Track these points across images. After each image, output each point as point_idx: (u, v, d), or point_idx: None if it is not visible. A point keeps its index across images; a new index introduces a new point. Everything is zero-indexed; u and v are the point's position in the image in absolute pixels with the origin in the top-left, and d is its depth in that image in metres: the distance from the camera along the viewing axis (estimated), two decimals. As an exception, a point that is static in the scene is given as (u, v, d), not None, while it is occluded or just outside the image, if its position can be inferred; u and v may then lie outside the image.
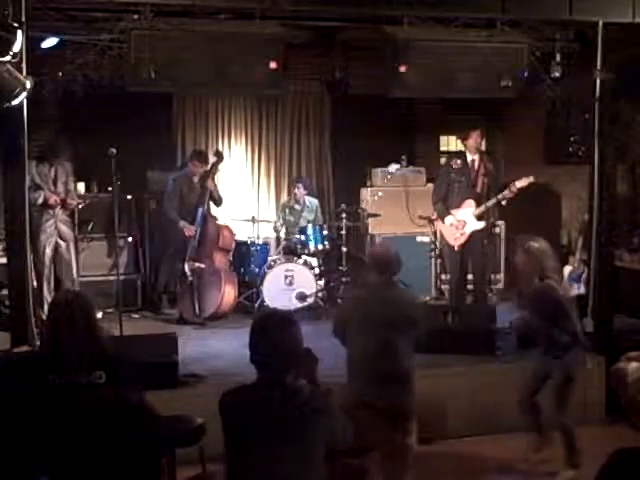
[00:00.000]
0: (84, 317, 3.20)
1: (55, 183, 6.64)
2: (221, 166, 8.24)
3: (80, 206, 6.87)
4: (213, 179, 7.31)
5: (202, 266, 7.07)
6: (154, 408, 3.11)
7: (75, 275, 6.71)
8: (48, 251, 6.57)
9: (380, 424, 3.93)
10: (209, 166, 7.26)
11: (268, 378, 2.83)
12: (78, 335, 3.14)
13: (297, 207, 7.97)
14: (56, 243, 6.61)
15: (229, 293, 7.18)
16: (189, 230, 7.08)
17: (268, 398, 2.78)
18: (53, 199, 6.55)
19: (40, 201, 6.50)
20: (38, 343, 5.11)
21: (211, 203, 7.40)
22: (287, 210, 8.01)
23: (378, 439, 3.95)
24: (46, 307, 5.66)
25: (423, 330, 4.22)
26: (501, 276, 8.30)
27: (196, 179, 7.27)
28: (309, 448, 2.80)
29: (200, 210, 7.15)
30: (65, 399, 3.03)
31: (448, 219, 6.81)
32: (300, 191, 7.92)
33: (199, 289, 7.07)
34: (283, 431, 2.76)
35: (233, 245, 7.47)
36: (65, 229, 6.68)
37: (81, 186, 7.44)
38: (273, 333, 2.87)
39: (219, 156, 7.36)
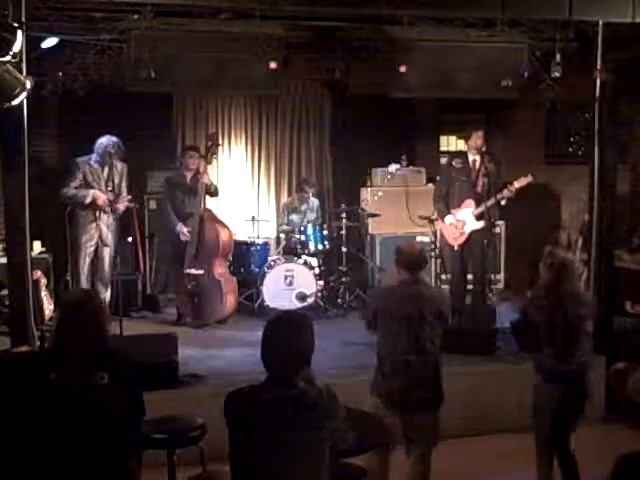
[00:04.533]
0: (96, 317, 3.20)
1: (107, 184, 6.54)
2: (222, 159, 8.22)
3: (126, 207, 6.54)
4: (206, 171, 7.07)
5: (200, 272, 6.96)
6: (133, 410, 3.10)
7: (109, 278, 6.60)
8: (89, 253, 6.51)
9: (409, 412, 4.12)
10: (204, 152, 7.05)
11: (278, 379, 2.83)
12: (88, 335, 3.13)
13: (302, 208, 7.96)
14: (97, 246, 6.54)
15: (230, 301, 7.14)
16: (185, 235, 6.96)
17: (278, 399, 2.78)
18: (102, 200, 6.44)
19: (88, 200, 6.40)
20: (38, 343, 5.12)
21: (207, 197, 7.22)
22: (291, 211, 7.99)
23: (400, 431, 4.13)
24: None
25: (448, 324, 4.42)
26: (501, 276, 8.30)
27: (189, 178, 7.10)
28: (316, 449, 2.81)
29: (196, 215, 6.98)
30: (66, 399, 3.03)
31: (448, 219, 6.82)
32: (311, 192, 7.92)
33: (199, 297, 6.97)
34: (292, 432, 2.77)
35: (232, 247, 7.44)
36: (109, 234, 6.57)
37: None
38: (287, 335, 2.87)
39: (213, 139, 7.11)
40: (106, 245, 6.57)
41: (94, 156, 6.53)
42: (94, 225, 6.50)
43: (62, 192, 6.40)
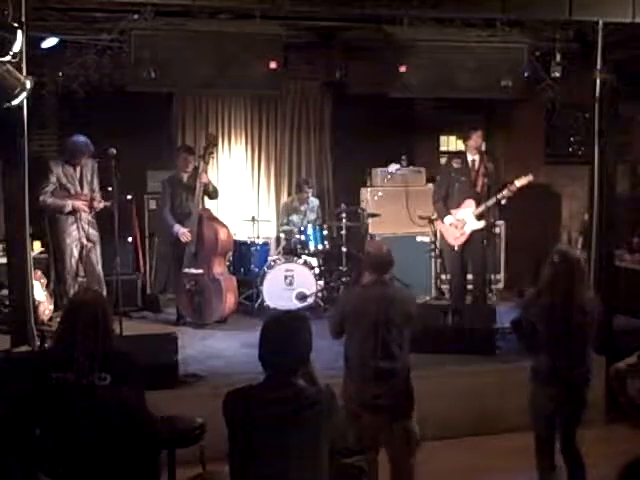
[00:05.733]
0: (101, 317, 3.20)
1: (81, 184, 6.55)
2: (222, 159, 8.24)
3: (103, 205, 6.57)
4: (206, 170, 7.08)
5: (200, 272, 6.96)
6: (149, 409, 3.11)
7: (101, 276, 6.61)
8: (75, 254, 6.51)
9: (379, 420, 4.00)
10: (201, 151, 7.05)
11: (277, 378, 2.83)
12: (94, 335, 3.14)
13: (302, 208, 7.96)
14: (82, 245, 6.54)
15: (230, 299, 7.13)
16: (184, 235, 6.93)
17: (277, 398, 2.78)
18: (82, 209, 6.46)
19: (67, 210, 6.42)
20: (38, 343, 5.12)
21: (206, 198, 7.20)
22: (291, 211, 8.00)
23: (379, 433, 4.03)
24: None
25: (418, 327, 4.27)
26: (501, 276, 8.30)
27: (185, 178, 7.07)
28: (315, 448, 2.81)
29: (194, 214, 6.97)
30: (68, 399, 3.03)
31: (448, 219, 6.81)
32: (310, 192, 7.93)
33: (199, 296, 6.97)
34: (291, 431, 2.77)
35: (232, 246, 7.44)
36: (91, 231, 6.57)
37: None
38: (285, 334, 2.87)
39: (210, 139, 7.12)
40: (91, 241, 6.58)
41: (65, 157, 6.53)
42: (76, 226, 6.51)
43: (40, 200, 6.32)
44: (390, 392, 4.01)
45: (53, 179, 6.44)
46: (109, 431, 3.02)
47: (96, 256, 6.61)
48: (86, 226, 6.55)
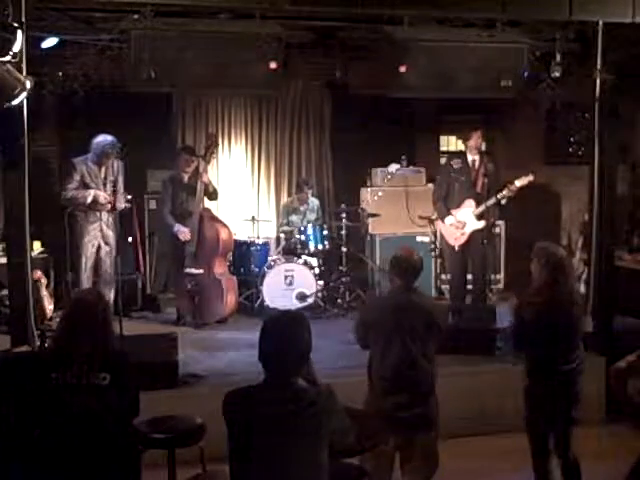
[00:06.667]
0: (101, 317, 3.21)
1: (105, 183, 6.52)
2: (222, 159, 8.26)
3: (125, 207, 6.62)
4: (206, 170, 7.07)
5: (200, 272, 6.96)
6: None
7: (112, 279, 6.54)
8: (90, 254, 6.48)
9: (402, 432, 3.93)
10: (203, 151, 7.06)
11: (277, 378, 2.83)
12: (97, 335, 3.14)
13: (302, 208, 7.97)
14: (99, 246, 6.51)
15: (231, 300, 7.14)
16: (184, 235, 6.94)
17: (277, 398, 2.78)
18: (103, 196, 6.39)
19: (89, 200, 6.36)
20: (38, 343, 5.12)
21: (205, 198, 7.19)
22: (291, 211, 8.00)
23: (401, 446, 3.97)
24: None
25: (444, 335, 4.15)
26: (501, 276, 8.30)
27: (186, 178, 7.08)
28: (315, 448, 2.81)
29: (195, 214, 6.99)
30: (68, 399, 3.03)
31: (448, 219, 6.81)
32: (310, 193, 7.94)
33: (200, 296, 6.96)
34: (291, 431, 2.77)
35: (232, 246, 7.44)
36: (110, 233, 6.53)
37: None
38: (284, 334, 2.87)
39: (211, 139, 7.14)
40: (108, 244, 6.54)
41: (90, 156, 6.48)
42: (95, 225, 6.48)
43: (62, 195, 6.39)
44: (412, 402, 3.91)
45: (77, 177, 6.43)
46: (108, 431, 3.02)
47: (110, 259, 6.53)
48: (105, 227, 6.51)
